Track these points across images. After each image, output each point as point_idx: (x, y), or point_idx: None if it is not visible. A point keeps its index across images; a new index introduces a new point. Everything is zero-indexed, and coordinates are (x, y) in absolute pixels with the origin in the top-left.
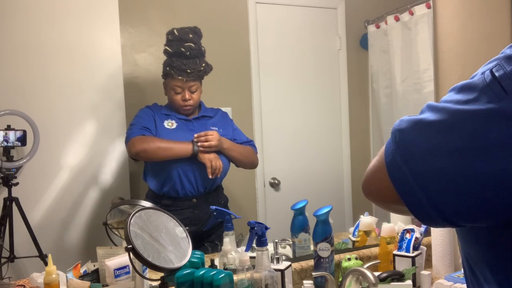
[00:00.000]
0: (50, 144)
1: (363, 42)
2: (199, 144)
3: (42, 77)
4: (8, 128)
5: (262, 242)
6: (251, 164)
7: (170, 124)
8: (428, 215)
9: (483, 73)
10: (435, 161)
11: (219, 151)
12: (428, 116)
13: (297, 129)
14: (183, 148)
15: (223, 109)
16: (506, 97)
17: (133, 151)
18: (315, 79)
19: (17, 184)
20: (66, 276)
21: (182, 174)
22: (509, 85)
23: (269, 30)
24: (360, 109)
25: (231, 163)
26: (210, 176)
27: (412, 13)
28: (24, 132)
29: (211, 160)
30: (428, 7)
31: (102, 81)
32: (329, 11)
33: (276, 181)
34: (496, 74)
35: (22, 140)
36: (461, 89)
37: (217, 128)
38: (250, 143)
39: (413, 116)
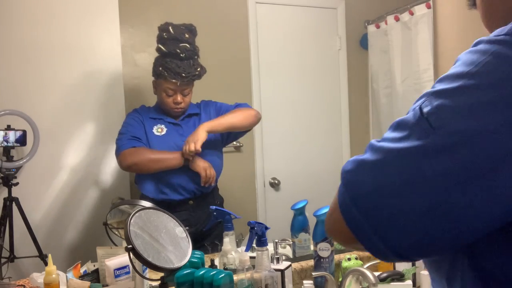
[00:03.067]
0: (50, 144)
1: (363, 42)
2: (190, 154)
3: (42, 77)
4: (8, 128)
5: (262, 242)
6: (251, 118)
7: (159, 130)
8: (383, 253)
9: (414, 109)
10: (379, 200)
11: (214, 152)
12: (368, 156)
13: (297, 129)
14: (175, 159)
15: None
16: (433, 133)
17: (124, 165)
18: (315, 79)
19: (17, 184)
20: (66, 276)
21: (176, 179)
22: (435, 120)
23: (269, 30)
24: (360, 109)
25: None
26: (203, 185)
27: (412, 13)
28: (24, 132)
29: (206, 169)
30: (428, 7)
31: (102, 81)
32: (329, 11)
33: (276, 181)
34: (424, 110)
35: (22, 140)
36: (396, 127)
37: None
38: (237, 106)
39: (358, 156)
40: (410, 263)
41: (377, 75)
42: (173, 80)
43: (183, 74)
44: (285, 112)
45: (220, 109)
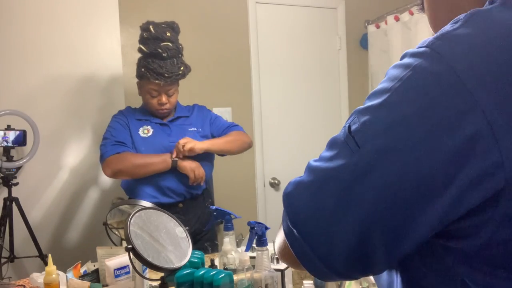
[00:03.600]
0: (50, 144)
1: (363, 42)
2: (180, 156)
3: (42, 77)
4: (8, 128)
5: (262, 242)
6: (243, 146)
7: (146, 131)
8: (325, 274)
9: (344, 127)
10: (315, 223)
11: (204, 155)
12: (304, 177)
13: (297, 129)
14: (161, 162)
15: (223, 109)
16: (358, 151)
17: (109, 173)
18: (315, 79)
19: (17, 184)
20: (66, 276)
21: (165, 182)
22: (361, 138)
23: (269, 30)
24: None
25: (226, 155)
26: (191, 184)
27: (412, 13)
28: (24, 132)
29: (194, 170)
30: None
31: (102, 81)
32: (329, 11)
33: (276, 181)
34: (352, 128)
35: (22, 140)
36: (330, 146)
37: (195, 129)
38: (232, 127)
39: (297, 177)
40: None
41: (377, 75)
42: (156, 81)
43: (166, 74)
44: (285, 112)
45: (214, 122)
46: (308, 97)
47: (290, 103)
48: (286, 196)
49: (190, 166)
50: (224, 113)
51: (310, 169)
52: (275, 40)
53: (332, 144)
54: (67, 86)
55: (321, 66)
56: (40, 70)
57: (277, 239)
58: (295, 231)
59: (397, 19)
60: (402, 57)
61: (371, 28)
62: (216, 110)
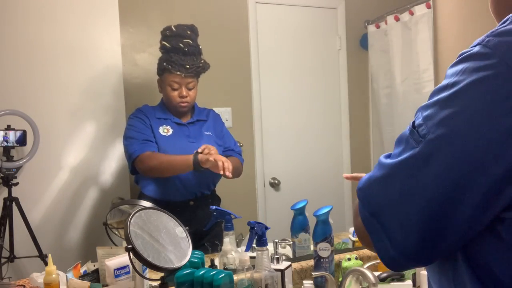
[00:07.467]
0: (50, 144)
1: (363, 42)
2: (205, 153)
3: (42, 77)
4: (8, 128)
5: (262, 242)
6: (235, 175)
7: (165, 130)
8: (395, 260)
9: (409, 124)
10: (389, 210)
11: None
12: (376, 172)
13: (297, 129)
14: (185, 163)
15: (223, 109)
16: (421, 142)
17: (142, 171)
18: (315, 79)
19: (17, 184)
20: (66, 276)
21: (179, 179)
22: (423, 130)
23: (269, 30)
24: (360, 109)
25: None
26: (223, 172)
27: (412, 13)
28: (24, 132)
29: (222, 159)
30: (428, 7)
31: (102, 81)
32: (329, 11)
33: (276, 181)
34: (416, 122)
35: (22, 140)
36: (397, 142)
37: (210, 133)
38: (236, 151)
39: (368, 173)
40: None
41: (377, 75)
42: (178, 73)
43: (187, 66)
44: (285, 112)
45: (224, 137)
46: (308, 97)
47: (290, 103)
48: (359, 190)
49: (219, 157)
50: (224, 113)
51: (380, 165)
52: (275, 40)
53: (399, 141)
54: (67, 86)
55: (321, 66)
56: (40, 70)
57: (356, 228)
58: (374, 221)
59: (397, 19)
60: (458, 57)
61: (371, 28)
62: (216, 110)
